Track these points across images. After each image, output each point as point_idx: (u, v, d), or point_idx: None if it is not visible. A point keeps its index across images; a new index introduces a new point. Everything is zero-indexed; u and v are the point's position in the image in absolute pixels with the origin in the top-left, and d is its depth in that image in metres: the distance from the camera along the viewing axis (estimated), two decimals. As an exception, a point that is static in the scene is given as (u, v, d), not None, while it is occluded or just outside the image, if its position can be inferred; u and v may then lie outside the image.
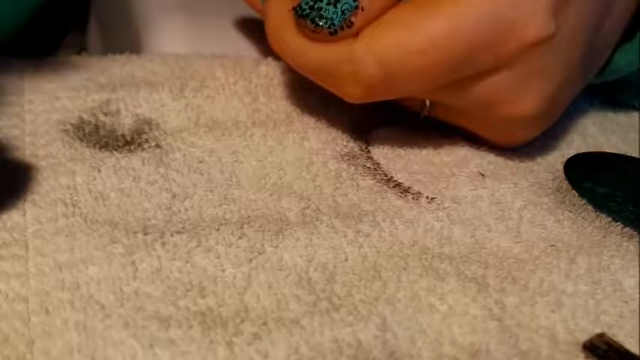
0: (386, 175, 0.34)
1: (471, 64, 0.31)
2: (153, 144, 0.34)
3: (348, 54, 0.31)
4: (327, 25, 0.31)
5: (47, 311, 0.25)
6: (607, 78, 0.38)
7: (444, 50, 0.31)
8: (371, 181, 0.34)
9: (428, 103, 0.35)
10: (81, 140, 0.33)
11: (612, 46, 0.37)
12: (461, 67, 0.31)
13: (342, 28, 0.31)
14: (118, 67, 0.38)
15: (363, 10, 0.31)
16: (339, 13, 0.31)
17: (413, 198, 0.33)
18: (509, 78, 0.32)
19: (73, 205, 0.30)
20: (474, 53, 0.31)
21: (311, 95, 0.38)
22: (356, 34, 0.31)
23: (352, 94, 0.32)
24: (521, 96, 0.33)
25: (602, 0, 0.34)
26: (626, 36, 0.37)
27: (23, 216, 0.29)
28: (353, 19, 0.31)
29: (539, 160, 0.37)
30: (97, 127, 0.34)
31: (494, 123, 0.34)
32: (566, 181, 0.35)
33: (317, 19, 0.31)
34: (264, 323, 0.26)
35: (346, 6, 0.31)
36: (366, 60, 0.31)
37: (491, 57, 0.31)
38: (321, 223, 0.30)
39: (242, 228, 0.29)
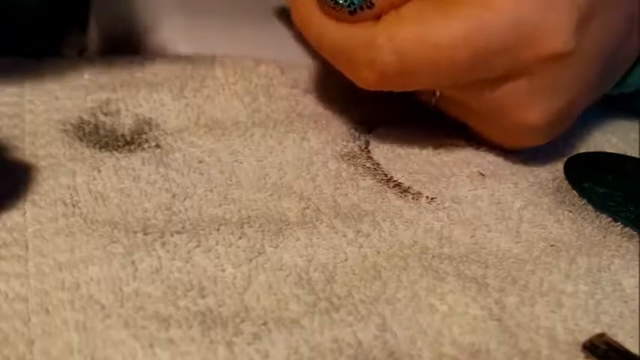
0: (386, 175, 0.34)
1: (487, 67, 0.31)
2: (153, 144, 0.34)
3: (367, 39, 0.31)
4: (347, 4, 0.31)
5: (47, 311, 0.25)
6: (624, 90, 0.38)
7: (462, 49, 0.31)
8: (371, 181, 0.34)
9: (437, 93, 0.35)
10: (81, 140, 0.33)
11: (632, 60, 0.36)
12: (477, 68, 0.31)
13: (362, 8, 0.31)
14: (118, 67, 0.38)
15: None
16: None
17: (413, 198, 0.33)
18: (522, 86, 0.32)
19: (73, 205, 0.30)
20: (492, 57, 0.31)
21: (311, 95, 0.38)
22: (377, 17, 0.31)
23: (366, 79, 0.32)
24: (531, 106, 0.33)
25: (624, 19, 0.33)
26: None
27: (23, 216, 0.29)
28: None
29: (539, 160, 0.37)
30: (97, 127, 0.34)
31: (502, 126, 0.34)
32: (566, 181, 0.35)
33: None
34: (264, 323, 0.26)
35: None
36: (383, 48, 0.31)
37: (508, 63, 0.31)
38: (321, 223, 0.30)
39: (242, 228, 0.29)
